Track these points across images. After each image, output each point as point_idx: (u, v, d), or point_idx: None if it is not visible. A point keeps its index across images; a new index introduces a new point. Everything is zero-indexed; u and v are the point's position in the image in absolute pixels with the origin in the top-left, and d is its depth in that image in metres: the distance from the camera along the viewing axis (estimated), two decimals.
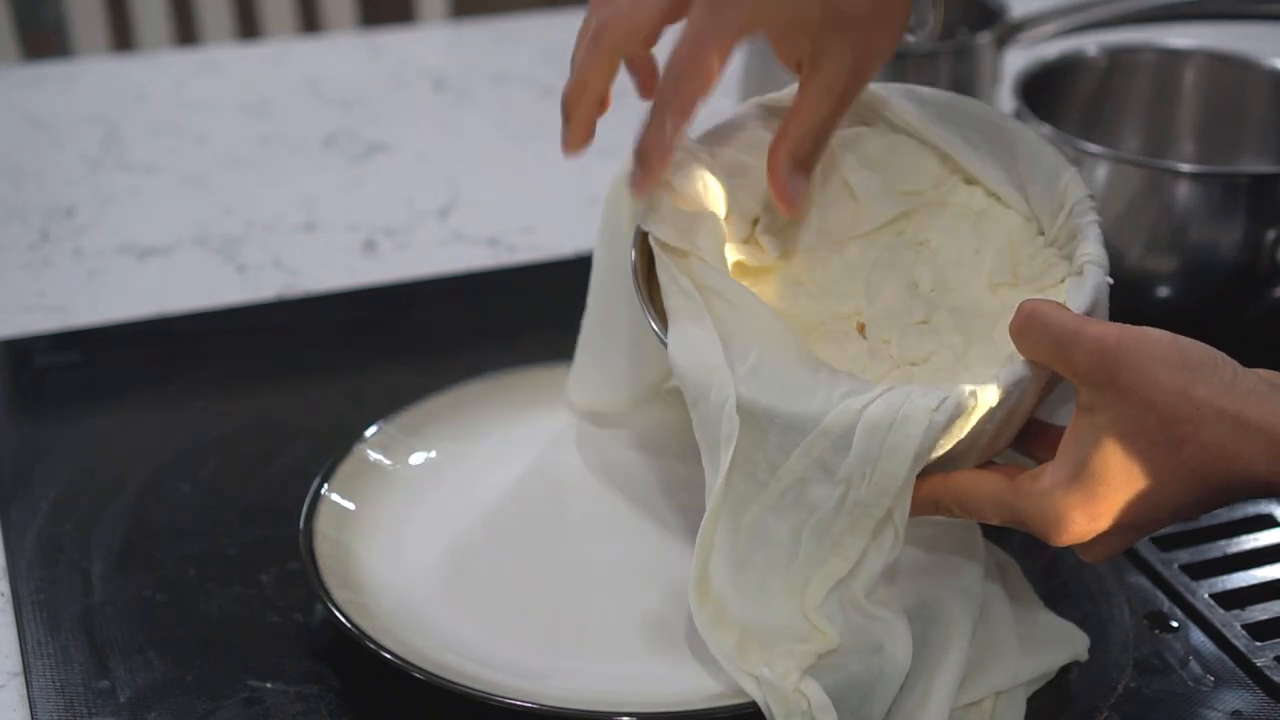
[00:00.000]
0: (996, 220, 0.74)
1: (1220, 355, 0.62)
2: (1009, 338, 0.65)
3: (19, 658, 0.75)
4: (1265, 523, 0.84)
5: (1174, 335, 0.62)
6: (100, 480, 0.87)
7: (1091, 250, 0.69)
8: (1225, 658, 0.76)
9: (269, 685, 0.73)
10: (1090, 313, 0.67)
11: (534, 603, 0.77)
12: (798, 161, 0.71)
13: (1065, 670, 0.74)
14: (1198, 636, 0.77)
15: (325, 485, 0.80)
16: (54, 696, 0.72)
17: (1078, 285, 0.68)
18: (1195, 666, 0.75)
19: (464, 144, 1.28)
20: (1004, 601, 0.74)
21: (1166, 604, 0.79)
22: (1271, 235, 0.92)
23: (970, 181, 0.75)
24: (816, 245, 0.75)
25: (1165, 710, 0.73)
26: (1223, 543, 0.83)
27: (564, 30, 1.50)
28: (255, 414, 0.93)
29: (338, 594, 0.74)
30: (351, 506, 0.81)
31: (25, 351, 0.99)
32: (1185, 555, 0.82)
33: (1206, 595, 0.79)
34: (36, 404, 0.94)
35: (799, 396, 0.65)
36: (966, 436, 0.64)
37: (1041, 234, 0.73)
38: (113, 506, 0.85)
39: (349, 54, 1.46)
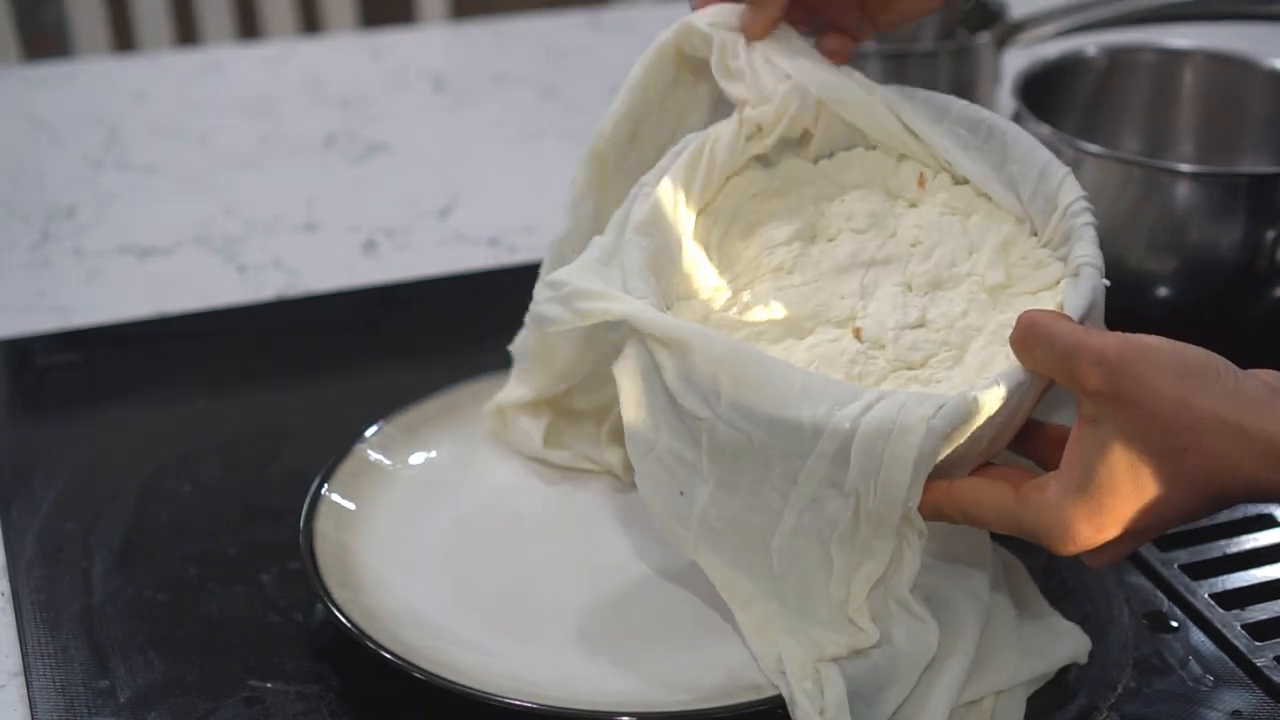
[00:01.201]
0: (988, 221, 0.74)
1: (1221, 362, 0.62)
2: (1005, 340, 0.65)
3: (19, 657, 0.75)
4: (1265, 523, 0.84)
5: (1174, 343, 0.62)
6: (101, 480, 0.87)
7: (1087, 252, 0.69)
8: (1225, 658, 0.76)
9: (269, 685, 0.73)
10: (1087, 315, 0.67)
11: (534, 602, 0.77)
12: None
13: (1065, 670, 0.74)
14: (1198, 636, 0.77)
15: (325, 485, 0.80)
16: (54, 696, 0.72)
17: (1074, 287, 0.68)
18: (1195, 666, 0.75)
19: (464, 144, 1.28)
20: (1008, 604, 0.75)
21: (1166, 604, 0.79)
22: (1271, 235, 0.92)
23: (959, 181, 0.75)
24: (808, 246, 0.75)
25: (1165, 710, 0.73)
26: (1223, 543, 0.83)
27: (564, 30, 1.50)
28: (255, 414, 0.93)
29: (338, 594, 0.74)
30: (351, 506, 0.81)
31: (26, 351, 0.99)
32: (1185, 555, 0.82)
33: (1206, 595, 0.79)
34: (37, 404, 0.94)
35: (787, 416, 0.64)
36: (965, 442, 0.64)
37: (1034, 235, 0.73)
38: (113, 506, 0.85)
39: (349, 54, 1.46)
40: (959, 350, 0.70)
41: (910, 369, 0.69)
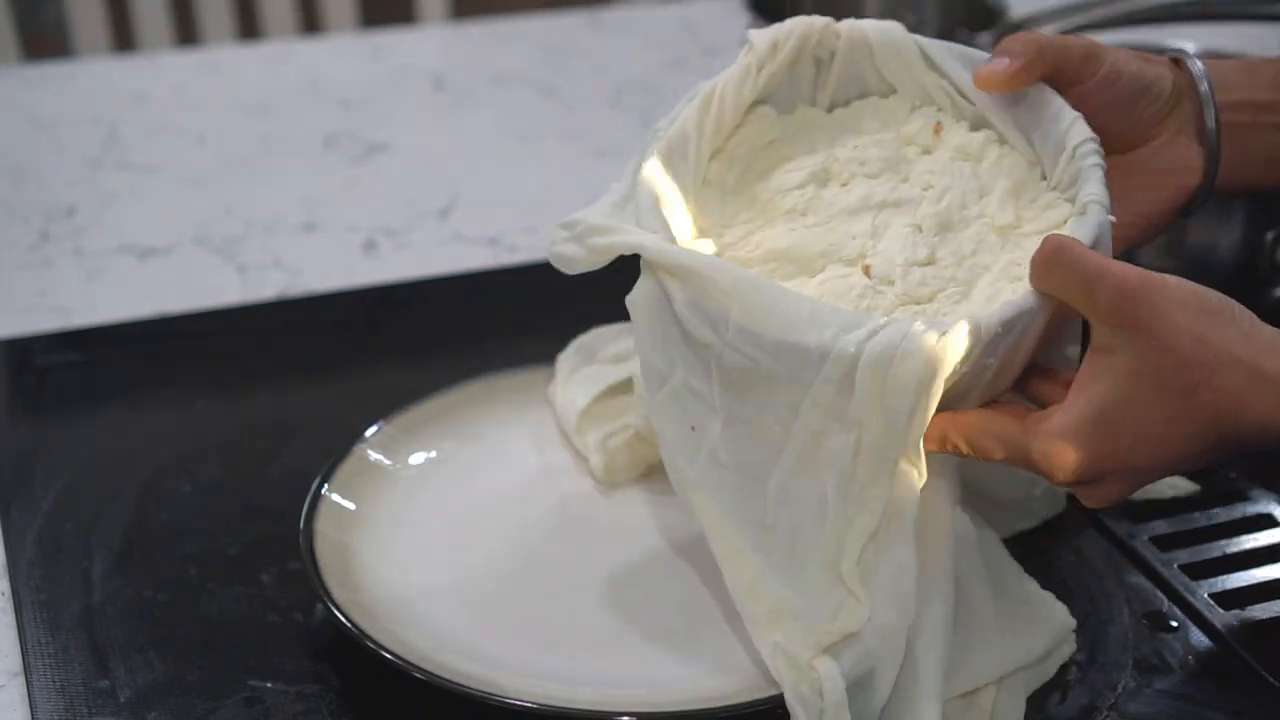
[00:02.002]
0: (1000, 165, 0.74)
1: (1239, 306, 0.62)
2: (1013, 277, 0.65)
3: (19, 657, 0.75)
4: (1265, 522, 0.84)
5: (1194, 284, 0.62)
6: (100, 480, 0.87)
7: (1094, 191, 0.69)
8: (1225, 658, 0.76)
9: (269, 685, 0.73)
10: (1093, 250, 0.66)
11: (534, 602, 0.77)
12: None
13: (1065, 670, 0.74)
14: (1198, 636, 0.77)
15: (325, 485, 0.80)
16: (54, 696, 0.72)
17: (1080, 224, 0.68)
18: (1195, 666, 0.75)
19: (464, 144, 1.28)
20: (983, 579, 0.74)
21: (1166, 604, 0.79)
22: (1271, 235, 0.92)
23: (973, 128, 0.75)
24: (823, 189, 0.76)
25: (1165, 710, 0.73)
26: (1223, 543, 0.83)
27: (564, 30, 1.50)
28: (255, 414, 0.93)
29: (338, 593, 0.74)
30: (352, 506, 0.81)
31: (26, 351, 0.99)
32: (1185, 555, 0.82)
33: (1206, 595, 0.79)
34: (37, 404, 0.94)
35: (794, 340, 0.64)
36: (970, 372, 0.64)
37: (1045, 179, 0.73)
38: (113, 506, 0.85)
39: (349, 54, 1.46)
40: (966, 286, 0.70)
41: (918, 304, 0.70)
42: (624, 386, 0.86)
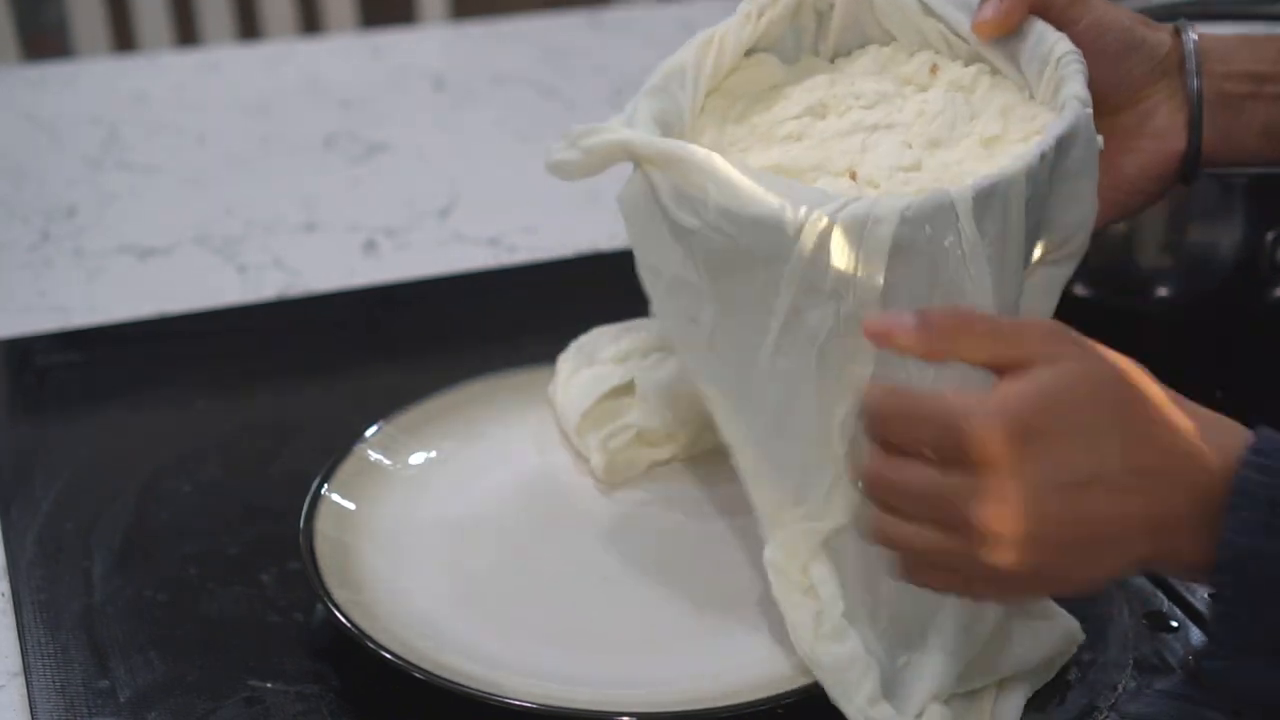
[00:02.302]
0: (991, 92, 0.75)
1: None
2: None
3: (19, 657, 0.75)
4: None
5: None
6: (101, 480, 0.87)
7: (1074, 88, 0.70)
8: None
9: (269, 685, 0.73)
10: (1067, 139, 0.67)
11: (534, 602, 0.77)
12: None
13: (1065, 670, 0.74)
14: (1198, 636, 0.77)
15: (325, 485, 0.81)
16: (54, 696, 0.72)
17: (1058, 121, 0.69)
18: (1195, 666, 0.75)
19: (464, 144, 1.28)
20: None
21: (1166, 604, 0.79)
22: (1271, 235, 0.92)
23: (967, 65, 0.76)
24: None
25: (1165, 710, 0.73)
26: None
27: (564, 30, 1.50)
28: (255, 414, 0.93)
29: (338, 594, 0.74)
30: (351, 506, 0.81)
31: (26, 351, 0.99)
32: None
33: (1206, 595, 0.79)
34: (37, 404, 0.94)
35: (769, 215, 0.66)
36: (933, 263, 0.64)
37: (1033, 99, 0.74)
38: (113, 506, 0.85)
39: (349, 54, 1.46)
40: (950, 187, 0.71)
41: None
42: (626, 388, 0.86)
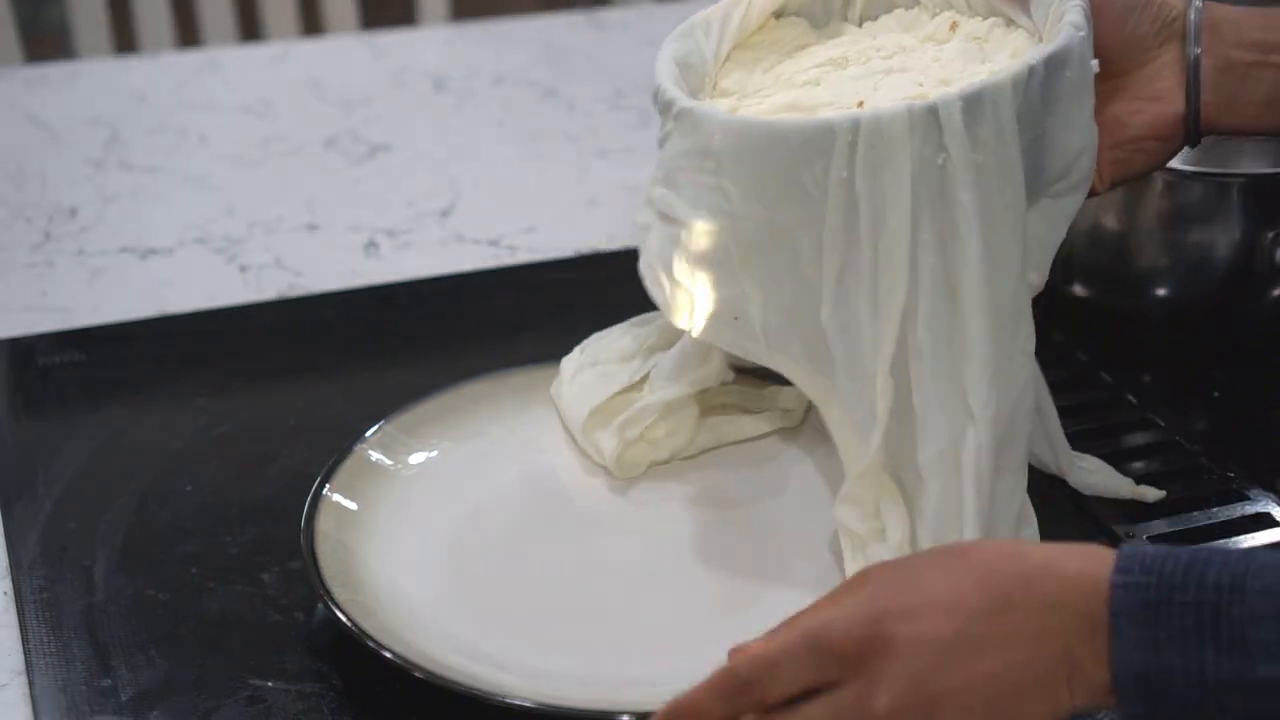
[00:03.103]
0: (1004, 39, 0.78)
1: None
2: None
3: (22, 656, 0.75)
4: (1265, 522, 0.84)
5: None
6: (103, 479, 0.87)
7: (1071, 18, 0.72)
8: None
9: (270, 684, 0.73)
10: (1058, 58, 0.70)
11: (534, 602, 0.77)
12: None
13: None
14: None
15: (326, 485, 0.81)
16: (56, 695, 0.72)
17: (1049, 43, 0.72)
18: None
19: (464, 144, 1.28)
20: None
21: None
22: (1269, 235, 0.92)
23: (985, 19, 0.80)
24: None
25: None
26: (1223, 542, 0.83)
27: (564, 31, 1.51)
28: (256, 414, 0.93)
29: (339, 593, 0.74)
30: (353, 506, 0.81)
31: (28, 351, 0.99)
32: None
33: None
34: (39, 403, 0.95)
35: (802, 126, 0.70)
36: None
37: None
38: (115, 505, 0.85)
39: (350, 55, 1.46)
40: None
41: None
42: (635, 387, 0.86)
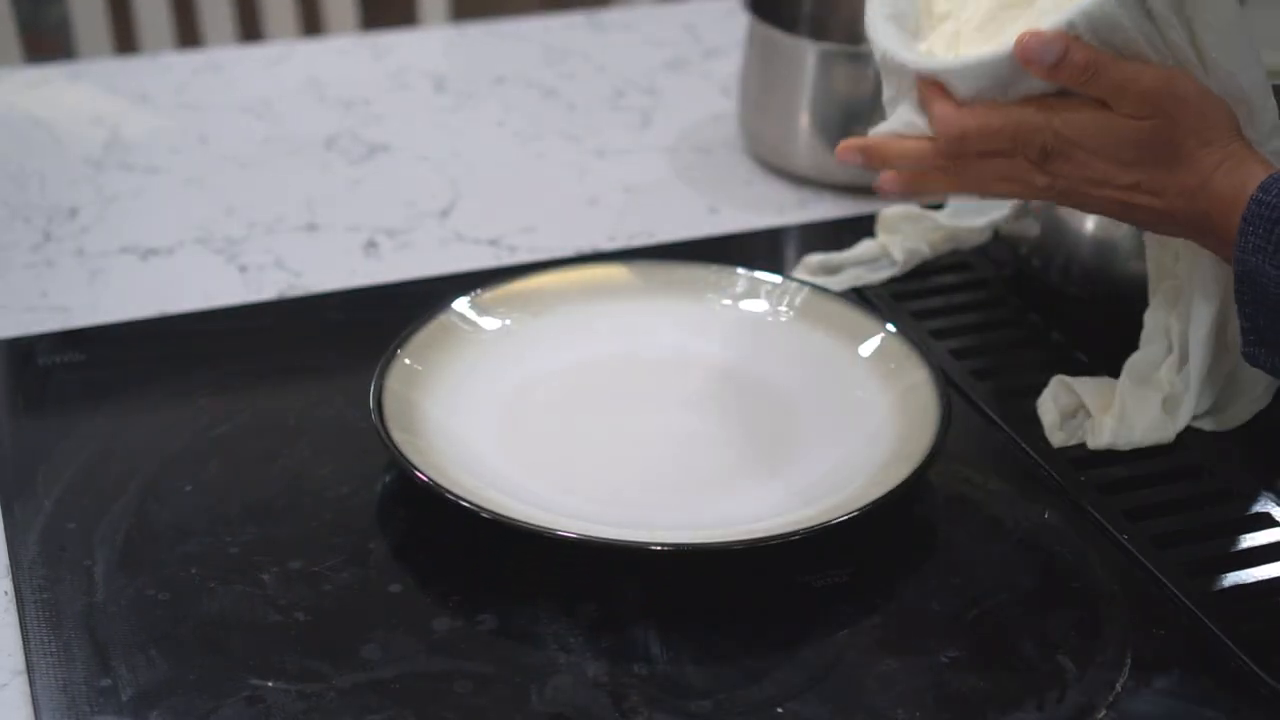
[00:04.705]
0: None
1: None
2: None
3: (22, 656, 0.75)
4: (1265, 522, 0.85)
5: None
6: (103, 479, 0.87)
7: None
8: (1224, 657, 0.76)
9: (270, 684, 0.73)
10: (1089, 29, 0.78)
11: (579, 462, 0.86)
12: None
13: (1064, 670, 0.74)
14: (1197, 636, 0.77)
15: (400, 349, 0.89)
16: (56, 695, 0.72)
17: None
18: (1194, 666, 0.75)
19: (464, 144, 1.28)
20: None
21: (1166, 603, 0.79)
22: None
23: None
24: None
25: (1165, 710, 0.73)
26: (1223, 542, 0.83)
27: (564, 31, 1.51)
28: (255, 414, 0.93)
29: (398, 437, 0.82)
30: (420, 368, 0.89)
31: (28, 351, 0.99)
32: (1185, 555, 0.82)
33: (1206, 595, 0.79)
34: (39, 404, 0.95)
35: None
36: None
37: None
38: (115, 505, 0.85)
39: (350, 55, 1.46)
40: None
41: None
42: None
